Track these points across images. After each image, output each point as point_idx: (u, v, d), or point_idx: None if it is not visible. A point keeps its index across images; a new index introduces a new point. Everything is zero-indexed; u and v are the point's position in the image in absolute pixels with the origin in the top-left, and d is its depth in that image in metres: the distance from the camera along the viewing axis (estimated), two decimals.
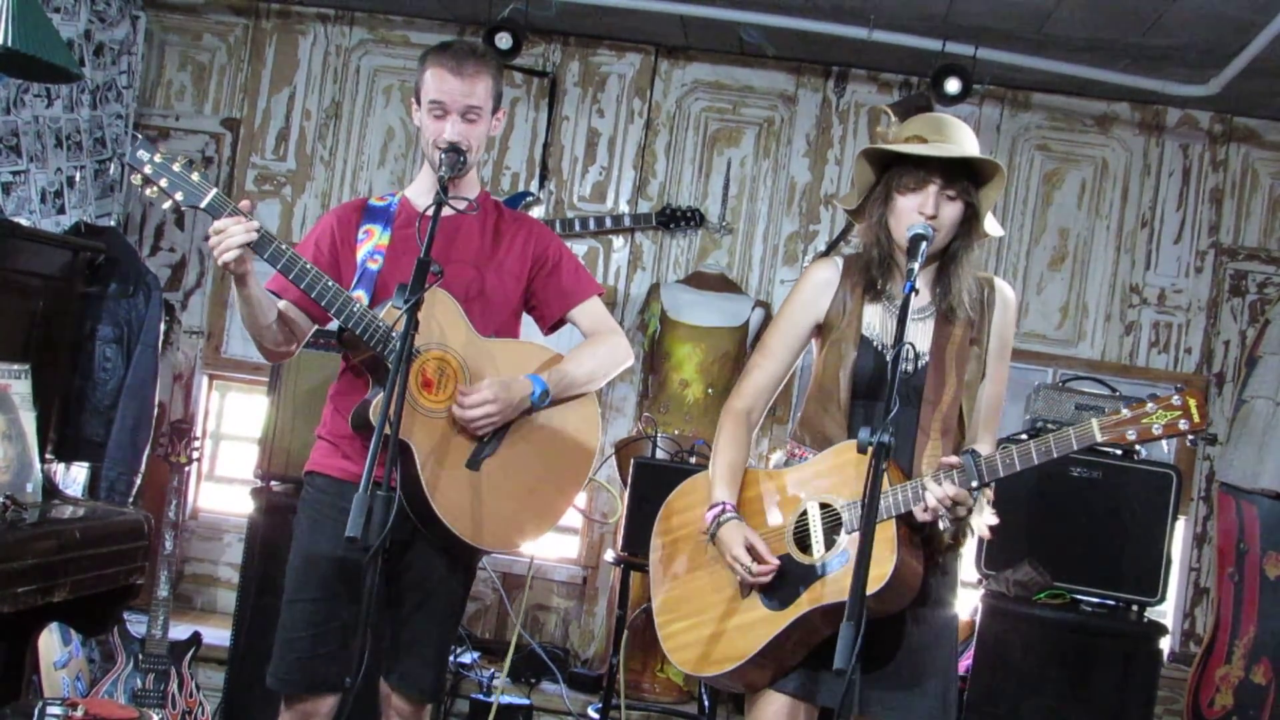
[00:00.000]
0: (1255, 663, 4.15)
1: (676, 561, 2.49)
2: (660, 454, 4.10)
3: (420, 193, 2.69)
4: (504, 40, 4.60)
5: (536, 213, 5.04)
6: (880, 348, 2.37)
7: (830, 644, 1.96)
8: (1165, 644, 3.87)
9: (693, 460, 4.09)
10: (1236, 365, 4.98)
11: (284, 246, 2.40)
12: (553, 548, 5.16)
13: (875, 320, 2.40)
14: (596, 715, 4.16)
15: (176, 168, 2.36)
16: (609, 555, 4.24)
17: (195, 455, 3.90)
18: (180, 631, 3.89)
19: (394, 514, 2.09)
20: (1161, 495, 3.81)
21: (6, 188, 4.04)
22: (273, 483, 3.97)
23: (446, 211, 2.43)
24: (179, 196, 2.36)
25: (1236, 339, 5.03)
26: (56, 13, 4.19)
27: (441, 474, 2.49)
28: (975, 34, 4.50)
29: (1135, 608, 3.84)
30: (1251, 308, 5.03)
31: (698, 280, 5.00)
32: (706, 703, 4.18)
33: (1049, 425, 3.83)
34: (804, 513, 2.33)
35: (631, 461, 3.99)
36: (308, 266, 2.42)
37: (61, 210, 4.31)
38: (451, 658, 4.14)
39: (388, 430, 2.17)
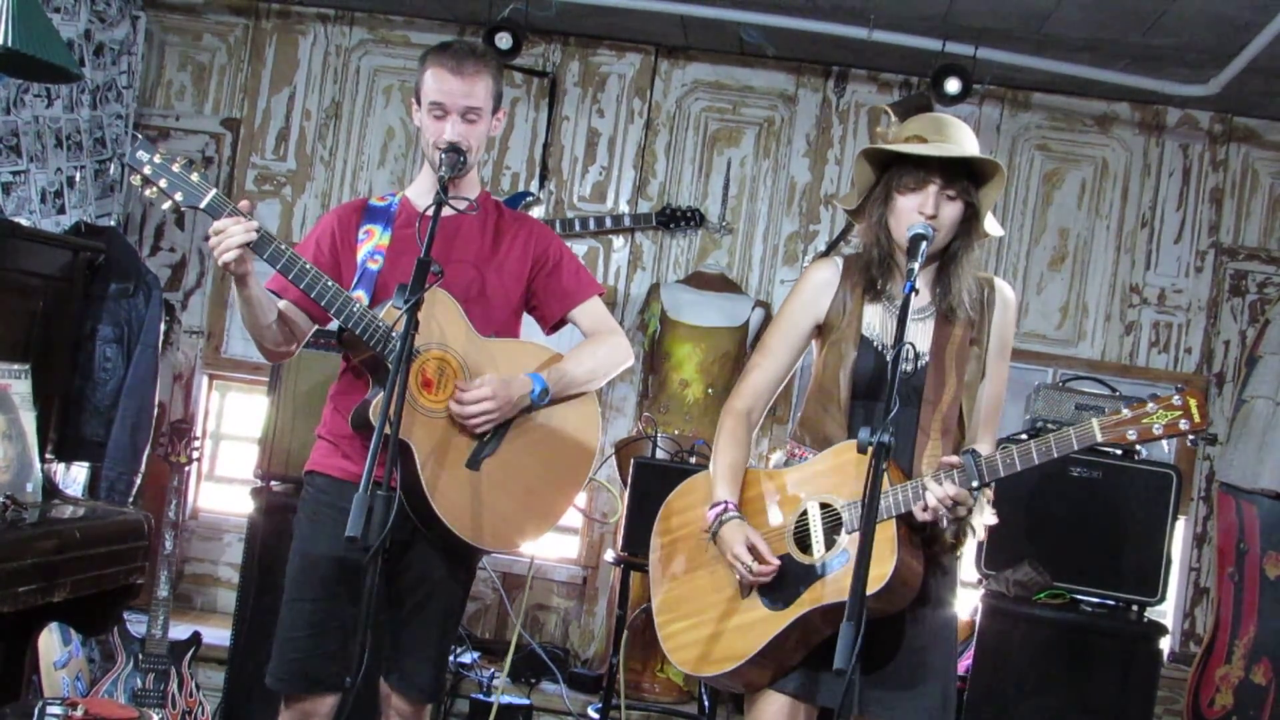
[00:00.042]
0: (1255, 663, 4.15)
1: (676, 561, 2.49)
2: (660, 454, 4.10)
3: (420, 193, 2.69)
4: (504, 40, 4.61)
5: (536, 213, 5.04)
6: (880, 348, 2.37)
7: (830, 644, 1.96)
8: (1165, 644, 3.87)
9: (693, 460, 4.09)
10: (1236, 365, 4.98)
11: (284, 246, 2.40)
12: (553, 548, 5.16)
13: (875, 320, 2.40)
14: (596, 715, 4.15)
15: (176, 168, 2.36)
16: (609, 555, 4.24)
17: (195, 455, 3.89)
18: (180, 631, 3.89)
19: (394, 514, 2.09)
20: (1161, 495, 3.81)
21: (6, 188, 4.04)
22: (273, 483, 3.97)
23: (447, 211, 2.43)
24: (178, 197, 2.36)
25: (1236, 339, 5.03)
26: (56, 13, 4.19)
27: (441, 474, 2.49)
28: (975, 34, 4.50)
29: (1135, 608, 3.84)
30: (1251, 307, 5.03)
31: (698, 280, 5.00)
32: (706, 703, 4.18)
33: (1049, 425, 3.83)
34: (804, 513, 2.33)
35: (631, 461, 3.99)
36: (308, 266, 2.42)
37: (61, 210, 4.31)
38: (451, 658, 4.14)
39: (388, 430, 2.17)
